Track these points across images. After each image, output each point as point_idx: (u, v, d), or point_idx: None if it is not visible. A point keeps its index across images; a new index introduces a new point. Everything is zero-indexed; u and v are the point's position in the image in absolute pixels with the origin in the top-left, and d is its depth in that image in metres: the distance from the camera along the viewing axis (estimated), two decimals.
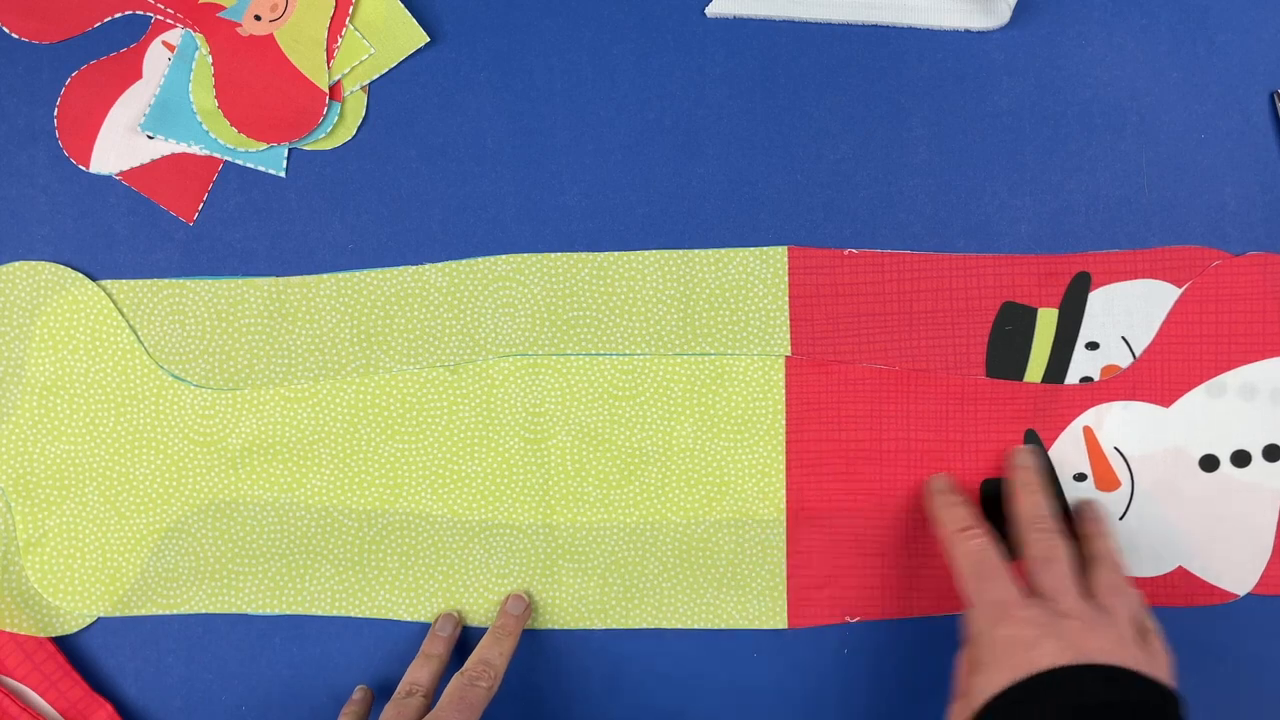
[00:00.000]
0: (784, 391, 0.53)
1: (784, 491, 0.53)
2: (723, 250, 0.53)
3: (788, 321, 0.53)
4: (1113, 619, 0.46)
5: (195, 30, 0.53)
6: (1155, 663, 0.46)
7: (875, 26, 0.53)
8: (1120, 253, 0.53)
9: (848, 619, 0.54)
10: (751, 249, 0.53)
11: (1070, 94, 0.53)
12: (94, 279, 0.54)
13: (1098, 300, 0.53)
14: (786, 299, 0.53)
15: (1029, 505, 0.50)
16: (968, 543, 0.49)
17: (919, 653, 0.54)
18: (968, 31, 0.53)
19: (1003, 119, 0.53)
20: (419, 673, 0.51)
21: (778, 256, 0.53)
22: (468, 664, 0.51)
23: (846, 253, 0.53)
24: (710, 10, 0.53)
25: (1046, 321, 0.53)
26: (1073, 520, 0.53)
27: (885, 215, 0.53)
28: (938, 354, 0.53)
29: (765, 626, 0.54)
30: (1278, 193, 0.53)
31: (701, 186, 0.54)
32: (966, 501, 0.51)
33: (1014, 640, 0.45)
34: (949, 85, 0.53)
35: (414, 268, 0.54)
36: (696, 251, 0.53)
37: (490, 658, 0.51)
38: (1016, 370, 0.53)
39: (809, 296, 0.53)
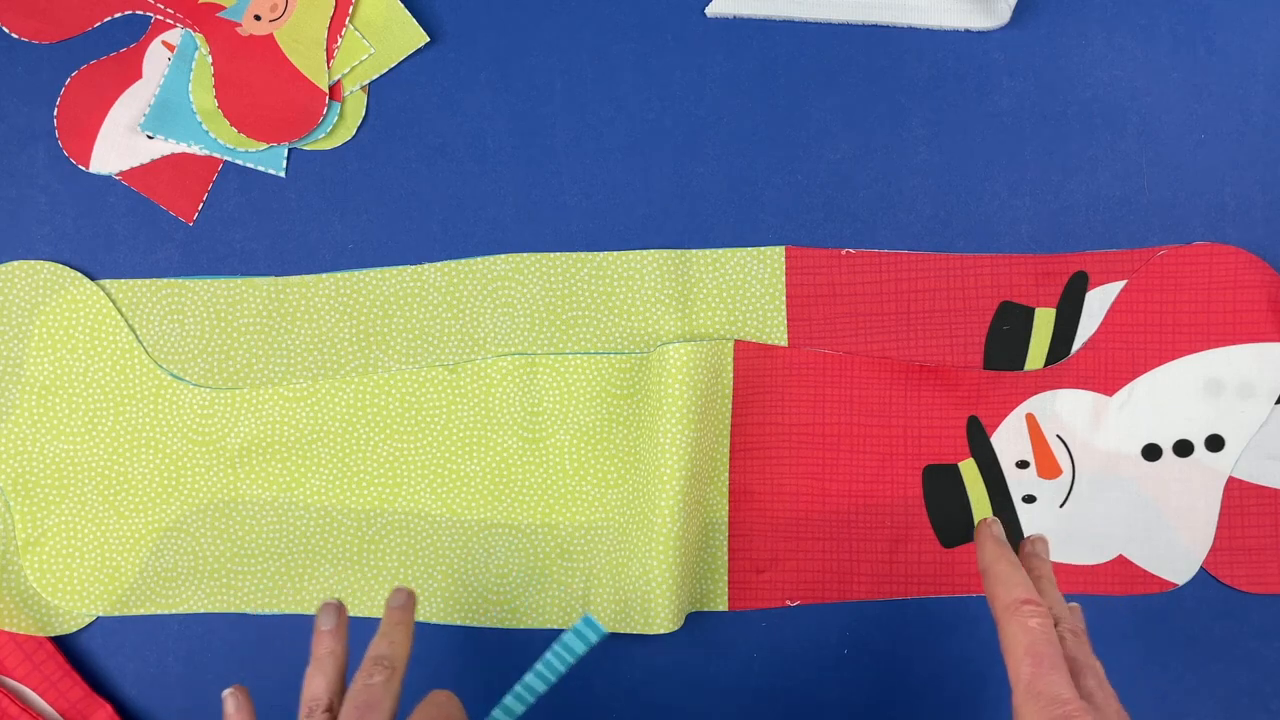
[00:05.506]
0: (732, 376, 0.53)
1: (727, 474, 0.53)
2: (720, 250, 0.53)
3: (785, 321, 0.53)
4: None
5: (195, 30, 0.53)
6: None
7: (875, 26, 0.53)
8: (1117, 252, 0.53)
9: (788, 602, 0.54)
10: (749, 249, 0.53)
11: (1070, 94, 0.53)
12: (93, 278, 0.54)
13: (1095, 300, 0.53)
14: (784, 299, 0.53)
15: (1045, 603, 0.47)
16: (1028, 620, 0.45)
17: (919, 653, 0.54)
18: (968, 31, 0.53)
19: (1003, 119, 0.53)
20: (315, 684, 0.46)
21: (775, 256, 0.53)
22: (360, 666, 0.47)
23: (844, 253, 0.53)
24: (710, 10, 0.53)
25: (1044, 321, 0.53)
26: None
27: (885, 215, 0.53)
28: (935, 354, 0.53)
29: (707, 609, 0.54)
30: (1278, 193, 0.53)
31: (701, 186, 0.54)
32: (1019, 562, 0.48)
33: None
34: (949, 85, 0.53)
35: (413, 267, 0.54)
36: (694, 251, 0.53)
37: (381, 652, 0.47)
38: (1014, 369, 0.53)
39: (806, 296, 0.53)
